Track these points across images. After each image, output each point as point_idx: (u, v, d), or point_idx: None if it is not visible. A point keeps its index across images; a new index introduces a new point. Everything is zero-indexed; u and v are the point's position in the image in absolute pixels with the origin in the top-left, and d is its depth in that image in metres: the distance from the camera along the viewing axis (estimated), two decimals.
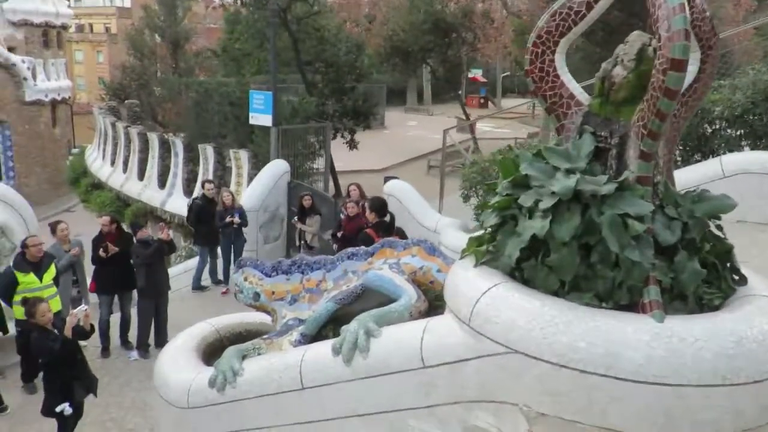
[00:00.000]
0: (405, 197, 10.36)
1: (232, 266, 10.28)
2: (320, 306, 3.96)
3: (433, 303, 3.69)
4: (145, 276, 7.83)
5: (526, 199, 2.87)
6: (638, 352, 2.38)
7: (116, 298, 8.01)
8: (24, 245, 6.81)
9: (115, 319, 8.14)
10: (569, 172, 2.81)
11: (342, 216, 9.92)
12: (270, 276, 4.27)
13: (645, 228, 2.62)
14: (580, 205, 2.72)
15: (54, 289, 6.89)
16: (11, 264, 6.89)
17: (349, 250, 4.17)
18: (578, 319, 2.50)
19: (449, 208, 11.76)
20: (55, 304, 6.83)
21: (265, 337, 4.10)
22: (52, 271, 6.88)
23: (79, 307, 5.18)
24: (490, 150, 14.80)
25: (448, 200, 12.18)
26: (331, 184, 15.84)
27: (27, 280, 6.62)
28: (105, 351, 7.86)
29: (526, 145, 14.62)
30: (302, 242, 10.35)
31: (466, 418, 2.85)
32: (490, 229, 3.13)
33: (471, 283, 2.89)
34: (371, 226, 5.72)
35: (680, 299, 2.66)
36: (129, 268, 7.85)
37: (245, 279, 4.33)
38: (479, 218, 9.90)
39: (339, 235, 9.04)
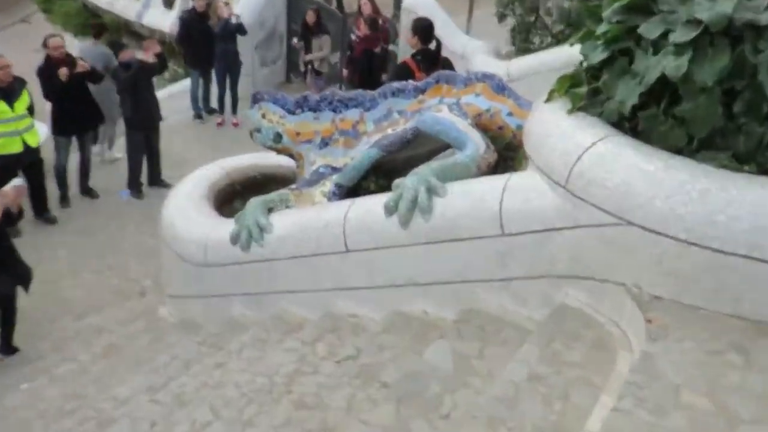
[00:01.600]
0: (427, 14, 9.66)
1: (228, 93, 9.94)
2: (360, 152, 3.66)
3: (502, 153, 3.39)
4: (131, 104, 7.44)
5: (650, 29, 2.44)
6: None
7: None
8: None
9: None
10: None
11: (353, 36, 9.32)
12: (293, 113, 3.92)
13: None
14: (727, 38, 2.29)
15: (29, 120, 6.48)
16: None
17: (395, 84, 3.76)
18: (717, 186, 2.19)
19: (476, 29, 11.04)
20: (32, 138, 6.49)
21: (292, 187, 3.83)
22: (25, 98, 6.42)
23: (9, 184, 4.52)
24: None
25: (474, 18, 11.42)
26: None
27: None
28: (64, 200, 7.42)
29: None
30: (308, 67, 9.78)
31: (551, 294, 2.66)
32: (586, 65, 2.77)
33: (568, 135, 2.56)
34: (413, 54, 5.20)
35: None
36: (90, 101, 7.31)
37: (263, 116, 3.99)
38: (517, 42, 9.33)
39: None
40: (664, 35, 2.40)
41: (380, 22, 9.33)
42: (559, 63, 6.79)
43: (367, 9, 9.39)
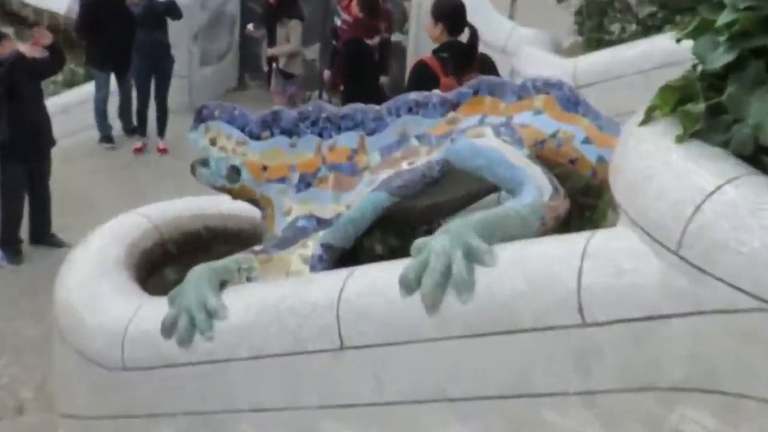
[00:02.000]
0: None
1: (152, 105, 10.05)
2: (360, 197, 3.71)
3: (577, 199, 3.43)
4: (10, 121, 7.51)
5: None
6: None
7: None
8: None
9: None
10: None
11: (338, 22, 9.51)
12: (259, 138, 4.00)
13: None
14: None
15: None
16: None
17: (412, 96, 3.83)
18: None
19: (523, 11, 11.29)
20: None
21: (256, 249, 3.86)
22: None
23: None
24: None
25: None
26: None
27: None
28: None
29: None
30: (273, 66, 9.99)
31: (659, 415, 2.65)
32: (701, 70, 2.84)
33: (680, 175, 2.59)
34: (436, 49, 5.30)
35: None
36: None
37: (212, 141, 4.05)
38: (585, 31, 9.59)
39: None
40: None
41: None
42: (652, 63, 6.96)
43: None
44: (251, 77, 11.70)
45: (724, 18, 2.67)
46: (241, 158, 3.97)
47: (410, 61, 9.83)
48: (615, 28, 9.53)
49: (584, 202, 3.46)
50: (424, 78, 5.10)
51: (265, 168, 3.95)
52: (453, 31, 5.27)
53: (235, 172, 3.98)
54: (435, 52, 5.38)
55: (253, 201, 4.08)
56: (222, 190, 4.10)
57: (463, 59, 5.26)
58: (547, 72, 7.56)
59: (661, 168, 2.65)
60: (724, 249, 2.38)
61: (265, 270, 3.71)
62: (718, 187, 2.46)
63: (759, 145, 2.54)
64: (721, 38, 2.68)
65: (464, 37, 5.44)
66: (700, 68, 2.82)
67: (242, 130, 4.00)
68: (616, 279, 2.64)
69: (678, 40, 2.97)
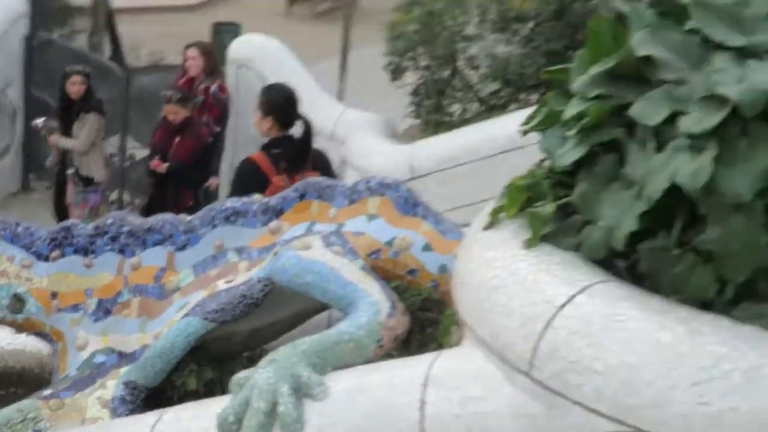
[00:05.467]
0: (273, 69, 10.03)
1: None
2: (170, 324, 3.73)
3: (418, 315, 3.57)
4: None
5: (648, 111, 2.67)
6: None
7: None
8: None
9: None
10: (745, 53, 2.66)
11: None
12: (47, 258, 4.02)
13: None
14: None
15: None
16: None
17: (229, 203, 3.95)
18: None
19: (355, 89, 11.83)
20: None
21: (45, 393, 3.83)
22: None
23: None
24: None
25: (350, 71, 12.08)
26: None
27: None
28: None
29: None
30: (71, 170, 10.04)
31: None
32: (549, 165, 3.01)
33: (529, 286, 2.72)
34: (266, 145, 5.69)
35: None
36: None
37: None
38: (423, 113, 9.84)
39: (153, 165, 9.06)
40: (671, 119, 2.61)
41: (211, 88, 9.74)
42: (496, 147, 7.20)
43: (195, 65, 9.71)
44: (38, 178, 11.51)
45: (572, 109, 2.84)
46: (26, 285, 3.95)
47: (226, 160, 9.99)
48: (455, 108, 10.11)
49: (425, 318, 3.56)
50: (252, 178, 5.28)
51: (55, 295, 3.93)
52: (284, 125, 5.49)
53: (18, 301, 3.95)
54: (264, 149, 5.59)
55: (43, 334, 4.04)
56: (3, 323, 4.05)
57: (297, 156, 5.49)
58: (380, 161, 7.76)
59: (508, 279, 2.75)
60: (579, 369, 2.49)
61: (55, 418, 3.65)
62: (570, 298, 2.59)
63: (612, 249, 2.69)
64: (570, 132, 2.82)
65: (298, 131, 5.75)
66: (548, 163, 2.99)
67: (27, 249, 3.97)
68: (461, 408, 2.71)
69: (524, 133, 3.12)
